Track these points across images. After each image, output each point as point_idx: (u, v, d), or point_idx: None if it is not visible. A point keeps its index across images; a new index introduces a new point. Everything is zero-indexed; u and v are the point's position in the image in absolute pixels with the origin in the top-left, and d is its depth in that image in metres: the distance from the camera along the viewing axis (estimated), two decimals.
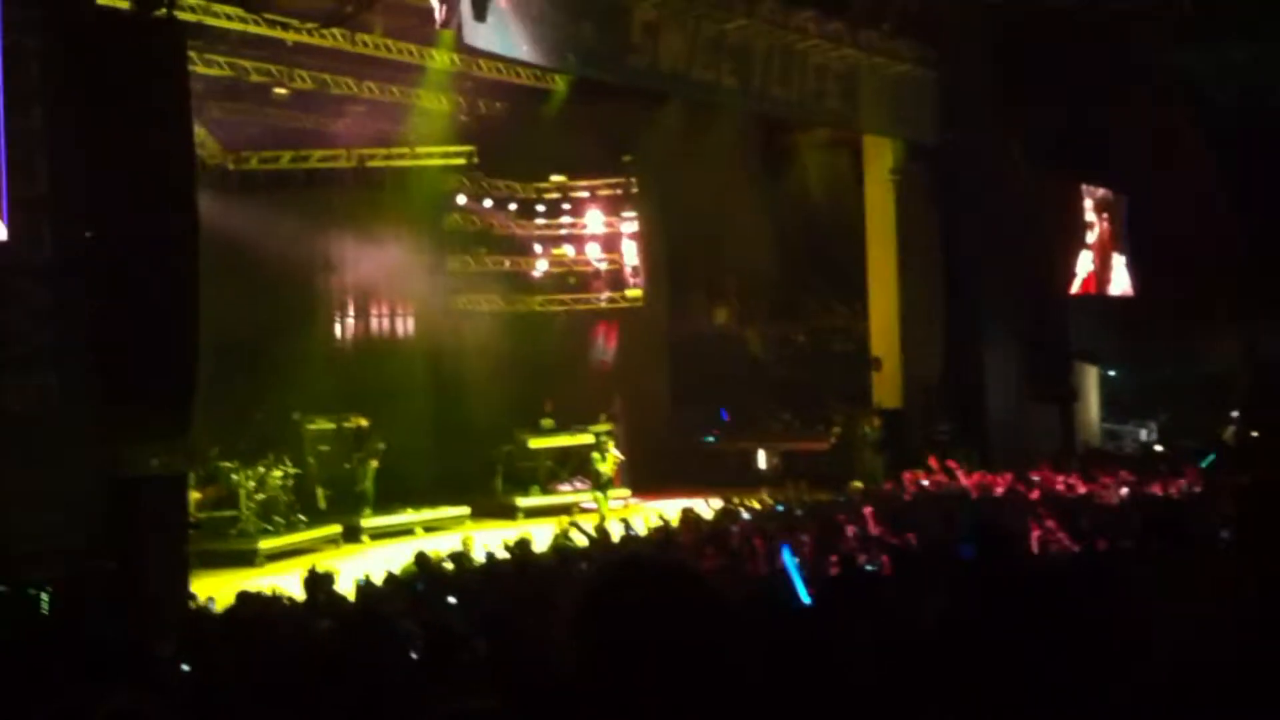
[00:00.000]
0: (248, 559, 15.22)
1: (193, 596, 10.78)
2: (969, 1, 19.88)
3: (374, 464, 18.04)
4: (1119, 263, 24.30)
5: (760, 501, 15.41)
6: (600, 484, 18.71)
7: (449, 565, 11.31)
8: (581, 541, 13.09)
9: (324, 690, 5.45)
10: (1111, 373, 24.16)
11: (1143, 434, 23.43)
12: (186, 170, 11.85)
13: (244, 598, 9.25)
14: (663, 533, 13.18)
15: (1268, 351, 21.76)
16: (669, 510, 14.95)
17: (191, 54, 13.87)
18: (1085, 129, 20.92)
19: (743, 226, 22.07)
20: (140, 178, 10.96)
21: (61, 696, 4.42)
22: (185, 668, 6.51)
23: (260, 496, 16.33)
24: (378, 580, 10.33)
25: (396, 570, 10.65)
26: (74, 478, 10.33)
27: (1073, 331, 22.36)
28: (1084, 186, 23.66)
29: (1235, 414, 21.36)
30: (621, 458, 19.08)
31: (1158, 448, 21.92)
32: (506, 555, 11.49)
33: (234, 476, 16.12)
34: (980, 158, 20.55)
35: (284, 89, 18.26)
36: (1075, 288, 23.24)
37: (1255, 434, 20.27)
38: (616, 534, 13.63)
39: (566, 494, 19.53)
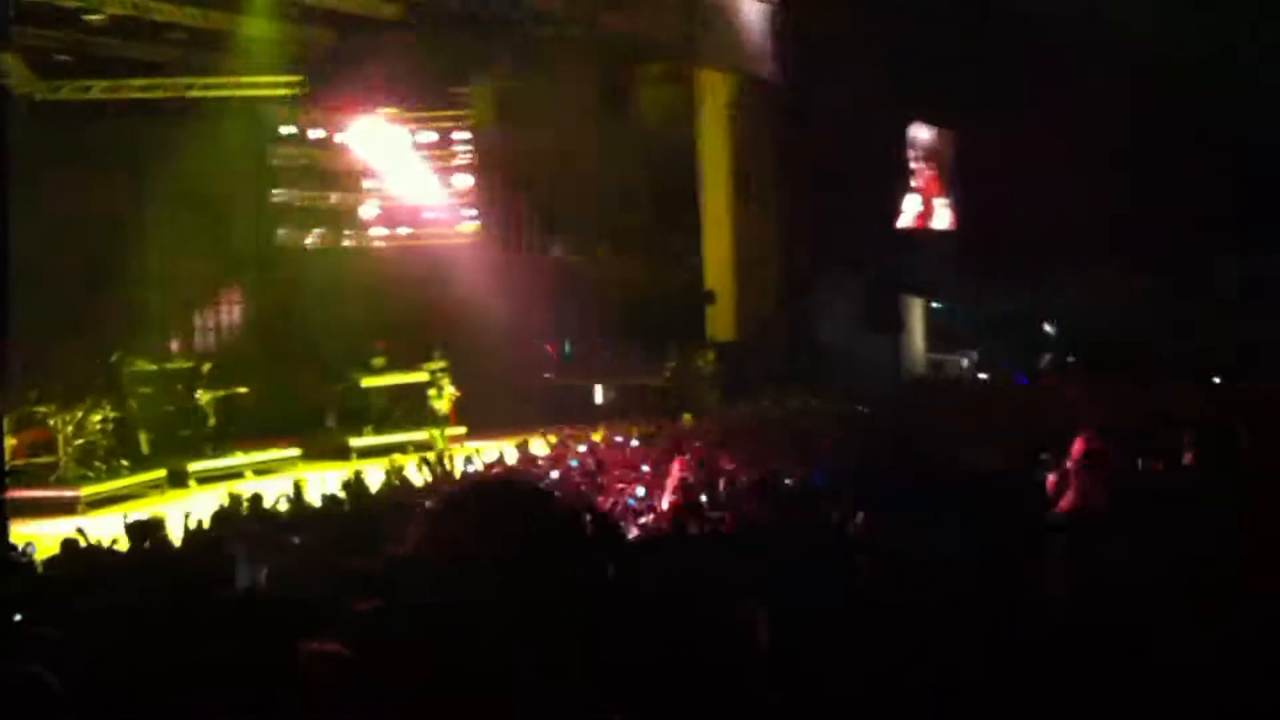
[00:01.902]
0: (68, 506, 14.63)
1: (11, 546, 10.29)
2: None
3: (211, 399, 17.65)
4: (941, 203, 24.95)
5: (598, 435, 15.45)
6: (436, 421, 18.54)
7: (282, 506, 11.11)
8: (419, 479, 12.98)
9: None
10: (936, 305, 24.79)
11: (964, 363, 24.17)
12: None
13: (68, 546, 8.85)
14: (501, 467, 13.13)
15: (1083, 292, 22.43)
16: (505, 447, 14.92)
17: None
18: (918, 65, 21.20)
19: (581, 160, 21.89)
20: None
21: None
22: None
23: (79, 441, 15.72)
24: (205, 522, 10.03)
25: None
26: None
27: (902, 265, 22.85)
28: (911, 129, 24.14)
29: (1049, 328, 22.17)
30: (457, 394, 18.87)
31: (980, 375, 22.72)
32: (341, 495, 11.31)
33: (50, 421, 15.47)
34: (815, 93, 20.76)
35: (98, 15, 17.38)
36: (903, 223, 23.76)
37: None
38: (457, 470, 13.52)
39: (401, 433, 19.18)
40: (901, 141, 24.18)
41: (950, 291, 24.39)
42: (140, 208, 18.83)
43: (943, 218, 25.11)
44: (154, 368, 17.64)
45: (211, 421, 17.67)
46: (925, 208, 24.79)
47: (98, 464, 15.91)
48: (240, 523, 9.89)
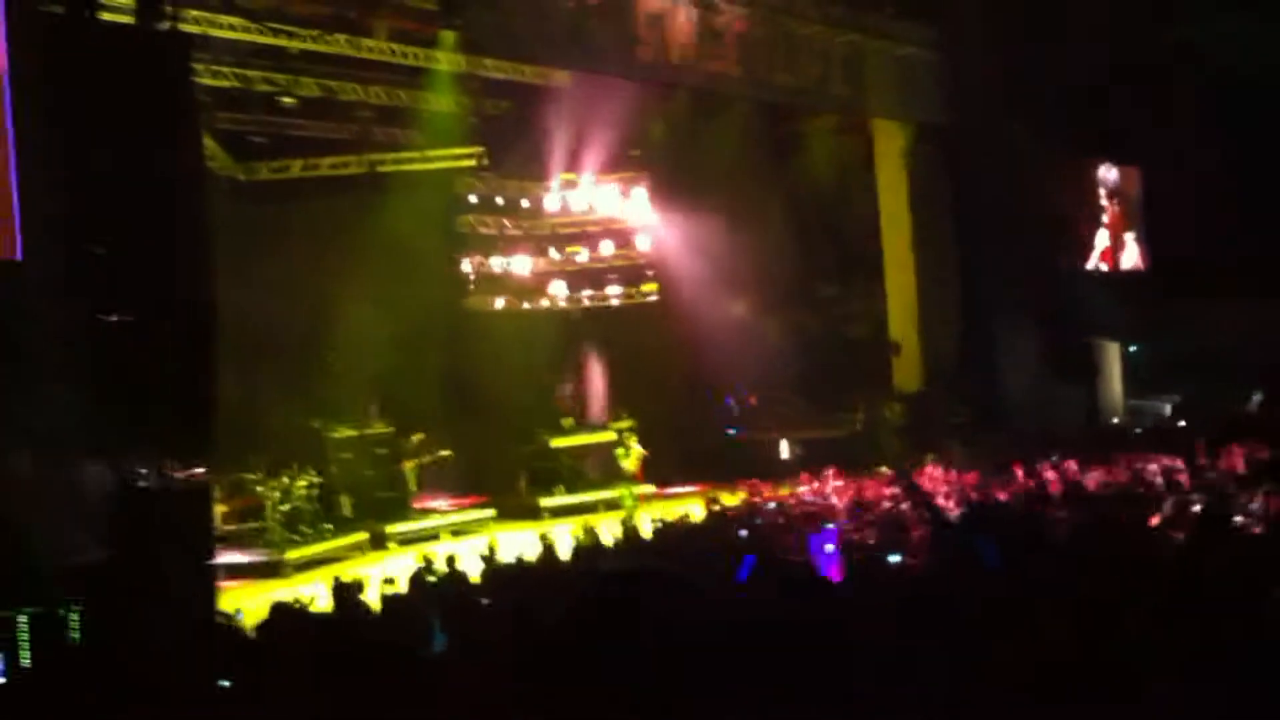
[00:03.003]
0: (275, 570, 15.16)
1: (220, 611, 10.72)
2: None
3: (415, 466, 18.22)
4: (1129, 239, 24.27)
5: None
6: (625, 480, 18.67)
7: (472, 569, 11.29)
8: (608, 540, 13.06)
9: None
10: (1133, 348, 23.98)
11: (1166, 408, 23.23)
12: (196, 183, 11.81)
13: (277, 609, 9.17)
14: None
15: None
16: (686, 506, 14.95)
17: (197, 66, 13.83)
18: (1097, 105, 20.79)
19: (756, 216, 21.96)
20: (150, 192, 10.91)
21: None
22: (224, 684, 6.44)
23: (285, 507, 16.27)
24: (402, 587, 10.27)
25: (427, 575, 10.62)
26: (97, 494, 10.29)
27: (1092, 308, 22.24)
28: (1097, 169, 23.62)
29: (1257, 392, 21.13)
30: (645, 453, 19.00)
31: (1180, 423, 21.74)
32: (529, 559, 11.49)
33: (258, 488, 16.10)
34: (991, 138, 20.49)
35: (291, 97, 18.21)
36: (1091, 264, 23.20)
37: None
38: (646, 530, 13.59)
39: (591, 492, 19.37)
40: (1085, 180, 23.64)
41: (1144, 333, 23.61)
42: (337, 279, 19.42)
43: (1133, 256, 24.40)
44: (354, 433, 18.20)
45: (413, 487, 18.20)
46: (1114, 247, 24.14)
47: (303, 528, 16.45)
48: (434, 586, 10.09)
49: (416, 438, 18.57)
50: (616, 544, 12.65)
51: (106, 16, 11.72)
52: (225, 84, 17.08)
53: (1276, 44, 19.94)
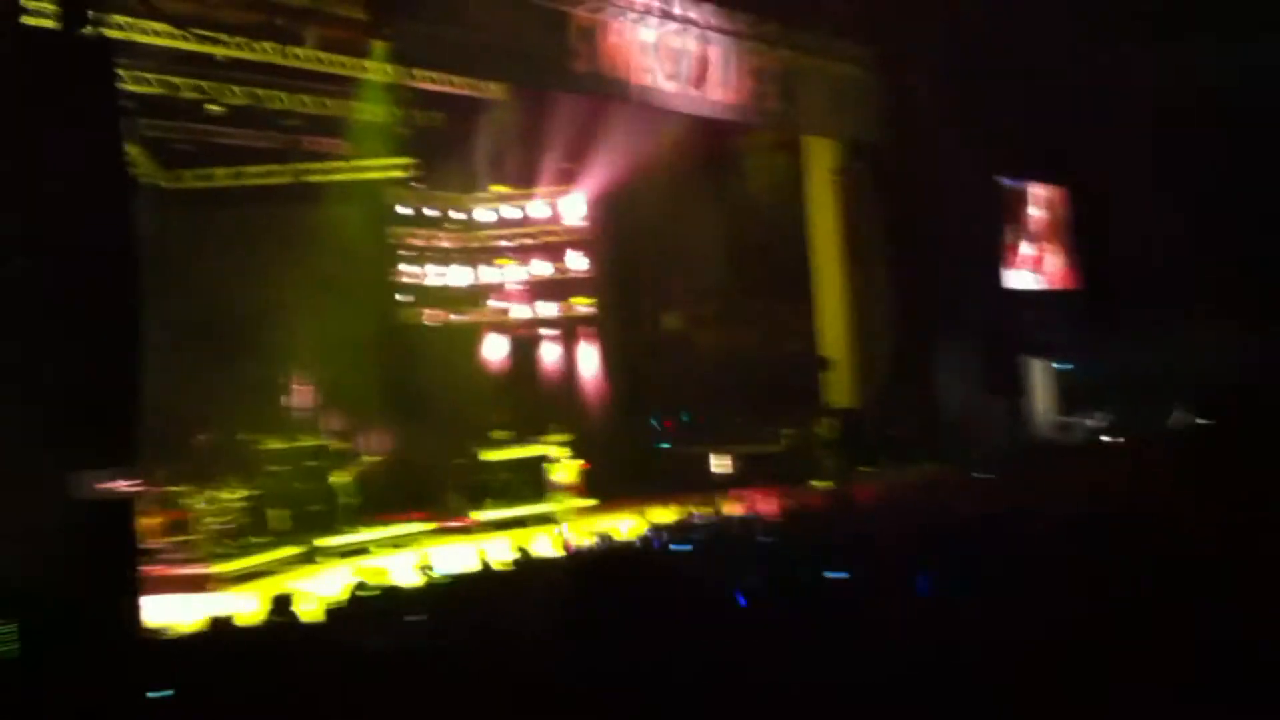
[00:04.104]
0: (202, 584, 14.86)
1: (145, 628, 10.47)
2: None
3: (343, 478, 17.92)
4: (1059, 261, 24.58)
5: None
6: (558, 494, 18.58)
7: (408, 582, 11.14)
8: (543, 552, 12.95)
9: None
10: (1061, 366, 24.27)
11: (1090, 425, 23.53)
12: (121, 190, 11.58)
13: (215, 623, 8.97)
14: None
15: (1214, 345, 21.85)
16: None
17: (121, 72, 13.57)
18: (1027, 124, 21.02)
19: (688, 231, 21.99)
20: (74, 200, 10.67)
21: None
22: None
23: (213, 521, 15.99)
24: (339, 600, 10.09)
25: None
26: (21, 509, 10.01)
27: (1023, 325, 22.49)
28: (1024, 186, 23.88)
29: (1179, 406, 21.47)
30: (583, 464, 18.90)
31: (1105, 438, 22.05)
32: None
33: (184, 501, 15.78)
34: (923, 155, 20.67)
35: (217, 105, 17.96)
36: (1017, 282, 23.44)
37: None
38: (581, 543, 13.48)
39: (525, 506, 19.19)
40: (1015, 200, 23.91)
41: (1072, 351, 23.90)
42: (264, 290, 19.13)
43: (1062, 275, 24.71)
44: (283, 446, 17.86)
45: (343, 500, 17.90)
46: (1043, 266, 24.43)
47: (230, 542, 16.15)
48: (364, 600, 9.93)
49: (334, 446, 18.22)
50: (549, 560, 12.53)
51: (29, 21, 11.49)
52: (150, 90, 16.80)
53: (1215, 65, 20.28)
